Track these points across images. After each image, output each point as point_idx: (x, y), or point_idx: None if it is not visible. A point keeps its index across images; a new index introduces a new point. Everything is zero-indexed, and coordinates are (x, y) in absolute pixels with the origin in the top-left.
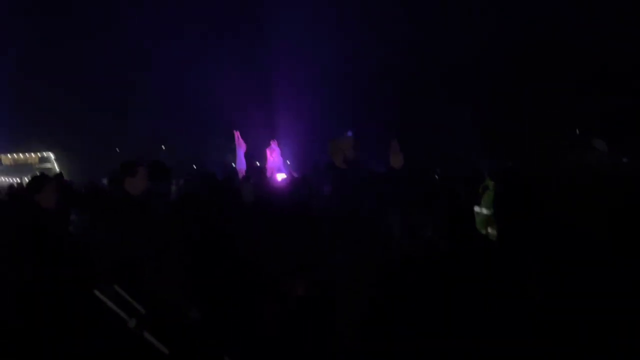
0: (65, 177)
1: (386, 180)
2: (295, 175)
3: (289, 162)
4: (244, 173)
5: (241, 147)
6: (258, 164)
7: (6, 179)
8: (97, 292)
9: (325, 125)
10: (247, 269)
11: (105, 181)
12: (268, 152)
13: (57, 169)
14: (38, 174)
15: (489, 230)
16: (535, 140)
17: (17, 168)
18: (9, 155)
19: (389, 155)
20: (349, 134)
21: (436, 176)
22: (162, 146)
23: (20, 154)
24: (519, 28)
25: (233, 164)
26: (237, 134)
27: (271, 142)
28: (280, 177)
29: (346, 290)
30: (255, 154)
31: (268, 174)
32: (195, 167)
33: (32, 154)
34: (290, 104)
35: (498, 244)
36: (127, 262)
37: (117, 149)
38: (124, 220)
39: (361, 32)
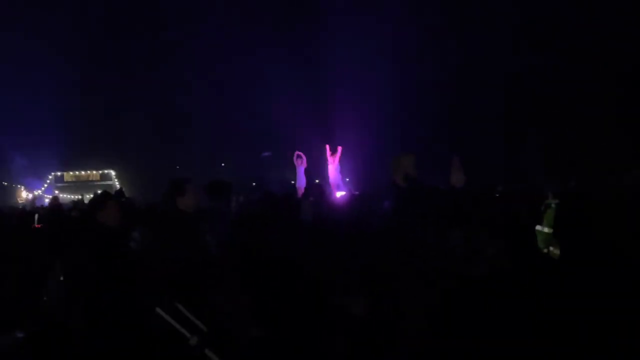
0: (126, 194)
1: (447, 198)
2: (355, 192)
3: (348, 180)
4: (303, 190)
5: (302, 165)
6: (317, 181)
7: (68, 195)
8: (158, 310)
9: (387, 143)
10: (308, 286)
11: None
12: (330, 158)
13: (117, 186)
14: (100, 191)
15: (551, 249)
16: (597, 157)
17: (79, 185)
18: (71, 172)
19: (451, 173)
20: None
21: (497, 194)
22: (222, 164)
23: (83, 172)
24: (585, 46)
25: (292, 182)
26: (299, 153)
27: (338, 149)
28: (340, 194)
29: (407, 307)
30: (315, 171)
31: (328, 191)
32: (254, 185)
33: (94, 171)
34: (351, 122)
35: (560, 262)
36: (188, 279)
37: (177, 167)
38: (181, 237)
39: (423, 50)
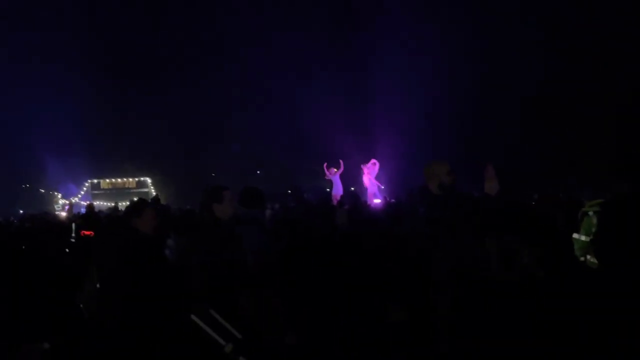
0: (162, 201)
1: (481, 206)
2: (391, 200)
3: (383, 187)
4: (339, 198)
5: (338, 173)
6: (353, 189)
7: (104, 203)
8: (193, 317)
9: (421, 150)
10: (344, 293)
11: None
12: (365, 169)
13: (153, 193)
14: (136, 199)
15: (588, 257)
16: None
17: (115, 192)
18: (107, 180)
19: (485, 181)
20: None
21: (533, 202)
22: (258, 171)
23: (119, 179)
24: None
25: (327, 189)
26: (336, 166)
27: (371, 161)
28: (376, 202)
29: (443, 314)
30: (350, 179)
31: (363, 199)
32: (290, 192)
33: (130, 178)
34: (386, 129)
35: (598, 271)
36: (223, 286)
37: (212, 174)
38: (216, 245)
39: (455, 59)
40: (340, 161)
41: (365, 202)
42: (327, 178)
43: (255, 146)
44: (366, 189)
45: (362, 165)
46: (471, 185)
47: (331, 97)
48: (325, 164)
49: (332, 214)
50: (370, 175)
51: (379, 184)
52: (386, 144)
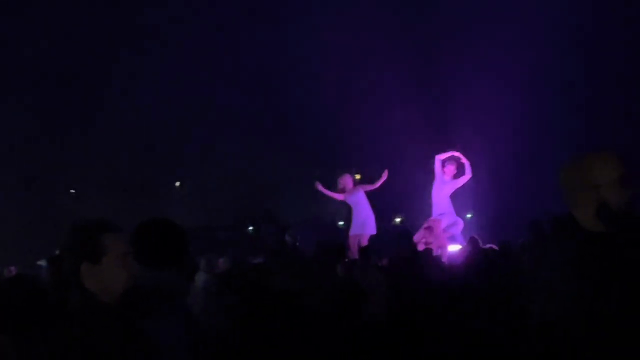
0: None
1: None
2: (486, 246)
3: (471, 216)
4: (362, 242)
5: (364, 189)
6: (399, 220)
7: None
8: None
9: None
10: None
11: None
12: (442, 176)
13: None
14: None
15: None
16: None
17: None
18: None
19: None
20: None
21: None
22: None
23: None
24: None
25: (340, 223)
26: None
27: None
28: (454, 248)
29: None
30: (398, 198)
31: (421, 248)
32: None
33: None
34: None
35: None
36: None
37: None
38: None
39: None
40: (385, 172)
41: (429, 253)
42: (339, 198)
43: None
44: (434, 225)
45: (437, 169)
46: None
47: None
48: (345, 176)
49: (344, 280)
50: (446, 183)
51: (463, 213)
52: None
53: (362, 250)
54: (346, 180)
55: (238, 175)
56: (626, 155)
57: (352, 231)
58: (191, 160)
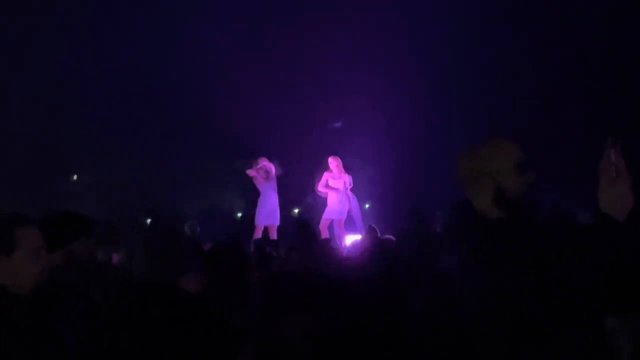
0: None
1: (594, 241)
2: (385, 237)
3: (368, 206)
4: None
5: (267, 181)
6: (297, 211)
7: None
8: None
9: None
10: None
11: None
12: (333, 173)
13: None
14: None
15: None
16: None
17: None
18: None
19: (601, 187)
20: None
21: None
22: None
23: None
24: None
25: (239, 214)
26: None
27: (331, 161)
28: (351, 240)
29: None
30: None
31: (323, 236)
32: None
33: None
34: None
35: None
36: None
37: None
38: None
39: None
40: (267, 165)
41: (328, 241)
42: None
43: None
44: (330, 215)
45: (332, 167)
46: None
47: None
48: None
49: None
50: (341, 184)
51: (361, 204)
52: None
53: (258, 245)
54: (270, 167)
55: (134, 168)
56: (522, 142)
57: (259, 221)
58: (88, 153)
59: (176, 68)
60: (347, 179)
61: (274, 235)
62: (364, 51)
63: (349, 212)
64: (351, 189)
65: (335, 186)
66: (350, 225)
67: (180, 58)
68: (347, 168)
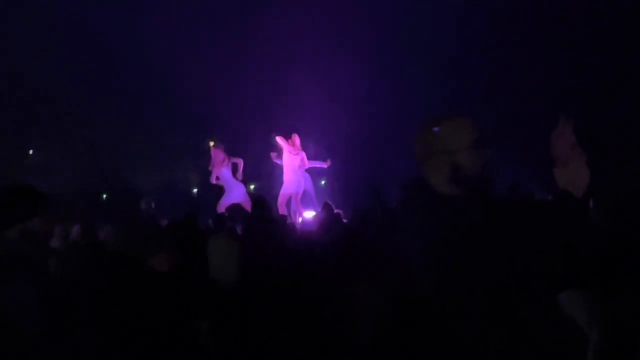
0: None
1: (551, 217)
2: (338, 211)
3: (324, 182)
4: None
5: (221, 164)
6: (253, 187)
7: None
8: None
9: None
10: None
11: None
12: (288, 148)
13: None
14: None
15: None
16: None
17: None
18: None
19: (556, 165)
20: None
21: None
22: None
23: None
24: None
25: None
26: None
27: (291, 138)
28: (308, 215)
29: None
30: (256, 172)
31: (280, 211)
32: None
33: None
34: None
35: None
36: None
37: None
38: None
39: None
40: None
41: (285, 217)
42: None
43: None
44: (288, 189)
45: (284, 145)
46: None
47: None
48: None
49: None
50: (296, 159)
51: (317, 181)
52: (324, 110)
53: (217, 217)
54: (219, 149)
55: (91, 142)
56: (479, 119)
57: (223, 199)
58: (44, 128)
59: (135, 46)
60: (304, 156)
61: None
62: (321, 25)
63: (305, 188)
64: (306, 167)
65: (292, 162)
66: (306, 202)
67: (140, 36)
68: (304, 145)
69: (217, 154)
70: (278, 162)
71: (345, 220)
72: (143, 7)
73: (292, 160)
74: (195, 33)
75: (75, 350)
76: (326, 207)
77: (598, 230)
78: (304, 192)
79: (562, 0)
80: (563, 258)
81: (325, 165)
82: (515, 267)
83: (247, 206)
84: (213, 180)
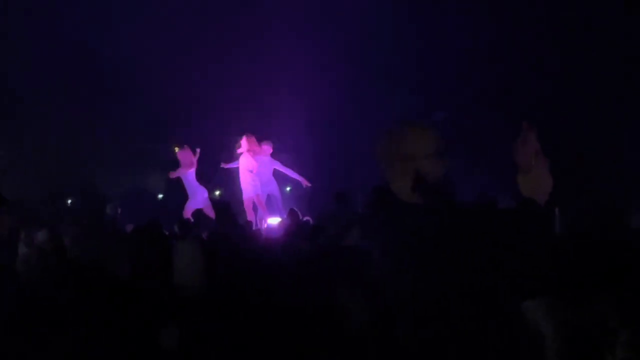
0: None
1: (511, 227)
2: (305, 219)
3: (289, 189)
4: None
5: (186, 167)
6: (218, 193)
7: None
8: None
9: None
10: None
11: None
12: (245, 159)
13: None
14: None
15: None
16: None
17: None
18: None
19: (520, 172)
20: (438, 116)
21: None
22: None
23: None
24: None
25: (160, 195)
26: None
27: (261, 143)
28: (273, 222)
29: None
30: (219, 175)
31: (243, 217)
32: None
33: None
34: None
35: None
36: None
37: None
38: None
39: None
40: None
41: (248, 226)
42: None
43: None
44: (249, 194)
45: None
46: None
47: None
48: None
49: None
50: (259, 165)
51: (281, 187)
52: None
53: (182, 223)
54: (186, 152)
55: (55, 146)
56: (440, 126)
57: (188, 204)
58: (3, 130)
59: (99, 49)
60: (266, 160)
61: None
62: (282, 33)
63: (269, 194)
64: (272, 173)
65: (249, 165)
66: (272, 208)
67: (103, 39)
68: (272, 151)
69: (186, 157)
70: (230, 166)
71: (309, 221)
72: (105, 10)
73: (250, 163)
74: (160, 36)
75: (40, 354)
76: (291, 213)
77: (561, 238)
78: (270, 198)
79: (524, 5)
80: (526, 265)
81: (303, 182)
82: (477, 274)
83: (211, 211)
84: (172, 176)
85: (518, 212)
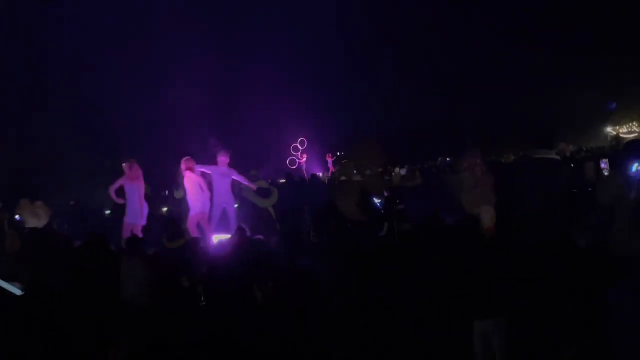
0: None
1: (458, 241)
2: (258, 236)
3: (237, 206)
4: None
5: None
6: (166, 210)
7: None
8: None
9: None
10: None
11: None
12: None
13: None
14: None
15: None
16: None
17: None
18: None
19: (465, 188)
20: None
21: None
22: None
23: None
24: None
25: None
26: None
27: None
28: (221, 238)
29: None
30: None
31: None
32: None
33: None
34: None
35: None
36: None
37: None
38: None
39: None
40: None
41: (196, 242)
42: (120, 183)
43: None
44: (196, 206)
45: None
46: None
47: None
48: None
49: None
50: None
51: (233, 192)
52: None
53: (129, 240)
54: (133, 166)
55: (3, 161)
56: (389, 147)
57: (127, 219)
58: None
59: (49, 65)
60: (224, 170)
61: (137, 232)
62: (229, 48)
63: (223, 210)
64: (230, 183)
65: (198, 181)
66: (224, 224)
67: (52, 55)
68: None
69: (134, 170)
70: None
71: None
72: (57, 29)
73: (195, 181)
74: (107, 57)
75: None
76: (239, 230)
77: (503, 254)
78: (225, 212)
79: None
80: (469, 283)
81: (253, 186)
82: (421, 292)
83: (153, 227)
84: (112, 191)
85: (458, 229)
